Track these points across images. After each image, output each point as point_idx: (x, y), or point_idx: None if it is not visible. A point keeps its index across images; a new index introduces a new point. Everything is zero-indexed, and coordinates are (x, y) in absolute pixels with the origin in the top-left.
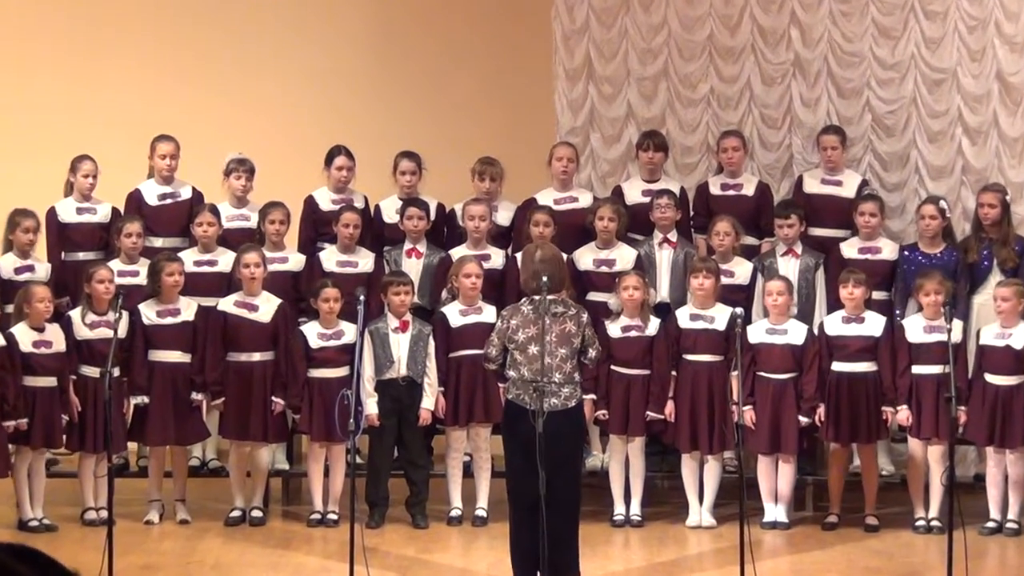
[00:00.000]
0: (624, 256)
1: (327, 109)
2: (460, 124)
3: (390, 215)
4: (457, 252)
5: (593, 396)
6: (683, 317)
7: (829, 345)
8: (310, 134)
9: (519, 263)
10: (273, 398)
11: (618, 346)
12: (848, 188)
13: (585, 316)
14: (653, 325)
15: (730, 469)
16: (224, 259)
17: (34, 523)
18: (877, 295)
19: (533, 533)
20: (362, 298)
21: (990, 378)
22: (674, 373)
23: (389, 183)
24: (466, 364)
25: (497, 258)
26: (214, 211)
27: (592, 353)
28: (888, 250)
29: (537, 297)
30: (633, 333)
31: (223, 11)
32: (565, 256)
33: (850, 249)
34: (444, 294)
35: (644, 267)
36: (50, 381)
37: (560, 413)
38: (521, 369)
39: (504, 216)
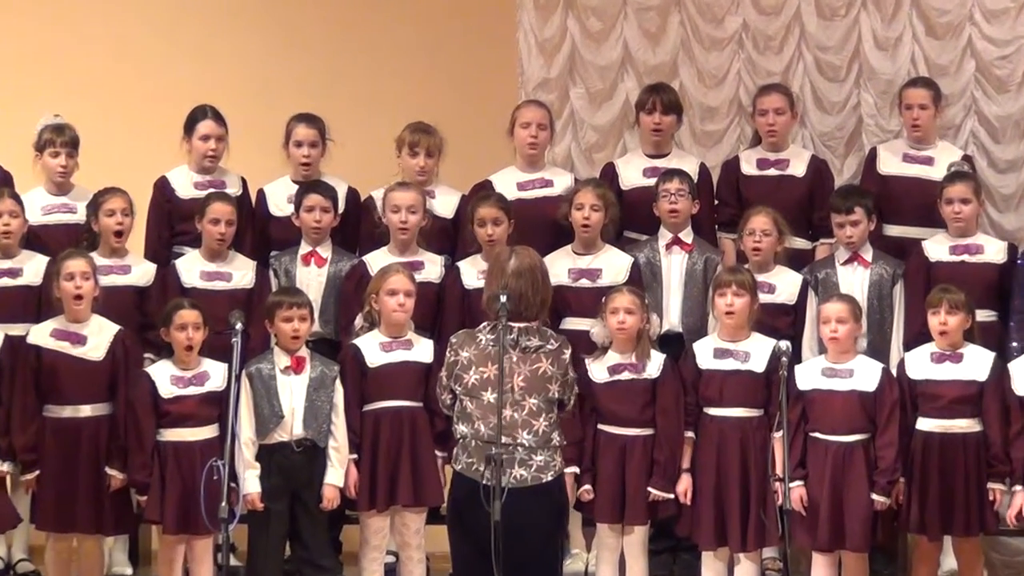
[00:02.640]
0: (614, 264)
1: (190, 54)
2: (383, 75)
3: (279, 205)
4: (377, 258)
5: (575, 469)
6: (703, 353)
7: (913, 393)
8: (165, 90)
9: (486, 274)
10: (108, 470)
11: (606, 395)
12: (941, 167)
13: (568, 353)
14: (656, 364)
15: (772, 573)
16: (32, 267)
17: None
18: (981, 315)
19: None
20: (238, 326)
21: None
22: (690, 434)
23: (278, 160)
24: (388, 421)
25: (434, 267)
26: (15, 198)
27: (568, 406)
28: (994, 249)
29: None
30: (627, 376)
31: None
32: None
33: (938, 248)
34: (359, 320)
35: (644, 280)
36: None
37: (529, 492)
38: (476, 423)
39: (445, 207)
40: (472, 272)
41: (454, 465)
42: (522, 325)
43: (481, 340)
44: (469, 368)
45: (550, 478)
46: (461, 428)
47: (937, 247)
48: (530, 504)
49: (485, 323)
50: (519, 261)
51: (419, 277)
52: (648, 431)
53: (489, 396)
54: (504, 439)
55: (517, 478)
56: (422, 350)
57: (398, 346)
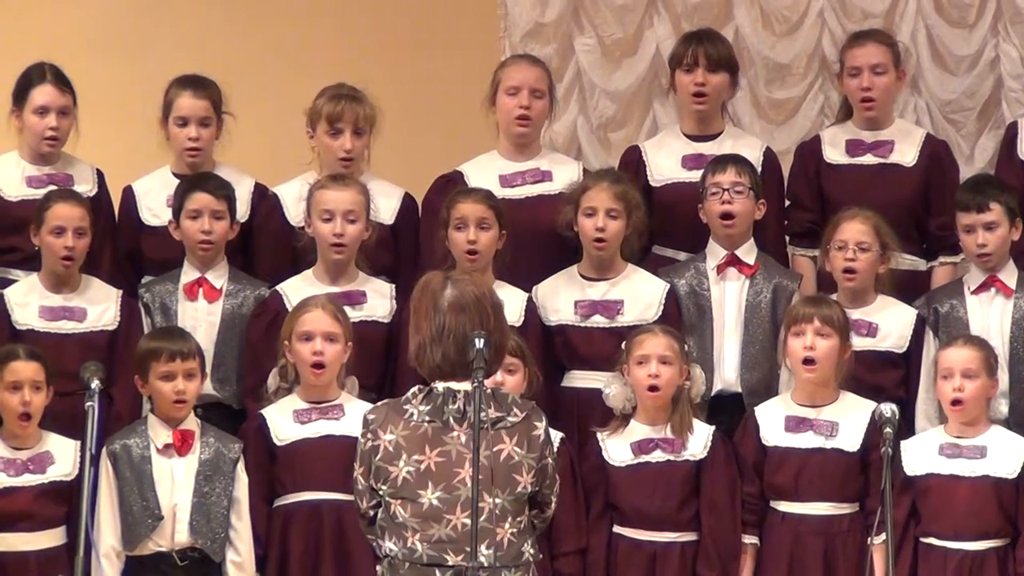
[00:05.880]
0: (640, 293)
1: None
2: (303, 21)
3: (154, 209)
4: (297, 288)
5: None
6: (770, 423)
7: None
8: None
9: (411, 312)
10: None
11: (629, 484)
12: None
13: (542, 427)
14: (702, 439)
15: None
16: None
17: None
18: None
19: None
20: (95, 384)
21: None
22: (752, 540)
23: (154, 143)
24: (302, 521)
25: (381, 300)
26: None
27: (547, 511)
28: None
29: (442, 385)
30: (659, 456)
31: None
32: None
33: None
34: (273, 378)
35: (686, 317)
36: None
37: None
38: (410, 538)
39: (382, 209)
40: None
41: None
42: (469, 387)
43: (412, 414)
44: (397, 457)
45: None
46: (389, 545)
47: None
48: None
49: (415, 388)
50: (458, 290)
51: (359, 314)
52: (690, 536)
53: (431, 496)
54: (452, 557)
55: None
56: (356, 419)
57: (320, 415)
